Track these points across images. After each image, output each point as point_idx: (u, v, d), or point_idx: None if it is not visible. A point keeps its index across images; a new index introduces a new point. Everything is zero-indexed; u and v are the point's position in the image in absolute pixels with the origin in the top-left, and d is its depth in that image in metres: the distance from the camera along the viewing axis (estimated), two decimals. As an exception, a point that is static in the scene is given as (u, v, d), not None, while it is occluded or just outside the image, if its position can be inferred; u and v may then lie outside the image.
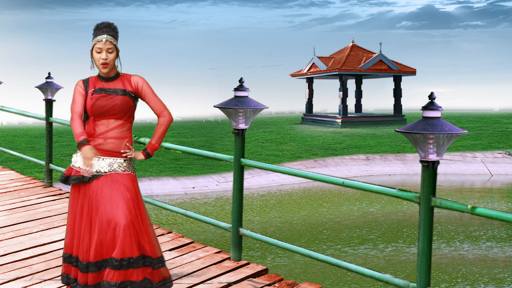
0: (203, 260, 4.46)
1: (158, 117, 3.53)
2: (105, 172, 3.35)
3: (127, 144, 3.43)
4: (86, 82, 3.44)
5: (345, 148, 20.76)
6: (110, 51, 3.37)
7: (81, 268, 3.28)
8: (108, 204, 3.27)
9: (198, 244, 4.89)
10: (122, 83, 3.42)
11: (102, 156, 3.37)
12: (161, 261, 3.42)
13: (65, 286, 3.59)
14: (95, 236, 3.26)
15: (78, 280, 3.30)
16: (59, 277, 3.53)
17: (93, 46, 3.38)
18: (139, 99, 3.53)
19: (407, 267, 8.80)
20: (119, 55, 3.45)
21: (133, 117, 3.49)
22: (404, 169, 18.78)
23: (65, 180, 3.41)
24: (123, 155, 3.41)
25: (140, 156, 3.51)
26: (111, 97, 3.36)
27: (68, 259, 3.39)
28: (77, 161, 3.40)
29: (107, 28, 3.40)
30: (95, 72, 3.50)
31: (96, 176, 3.35)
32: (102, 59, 3.35)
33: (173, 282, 3.97)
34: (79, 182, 3.35)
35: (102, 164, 3.37)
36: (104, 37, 3.36)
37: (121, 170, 3.39)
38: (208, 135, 23.56)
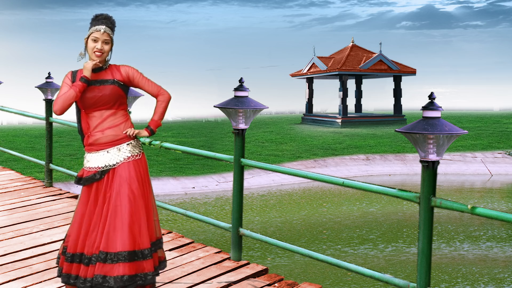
0: (203, 260, 4.46)
1: (157, 97, 3.57)
2: (114, 165, 3.39)
3: (124, 132, 3.46)
4: (74, 74, 3.46)
5: (345, 148, 20.75)
6: (106, 42, 3.40)
7: (85, 262, 3.32)
8: (111, 199, 3.32)
9: (198, 244, 4.89)
10: (111, 73, 3.45)
11: (106, 149, 3.41)
12: (159, 243, 3.49)
13: (65, 286, 3.59)
14: (100, 229, 3.31)
15: (79, 274, 3.33)
16: (59, 277, 3.53)
17: (90, 35, 3.40)
18: (136, 88, 3.58)
19: (407, 267, 8.80)
20: (112, 49, 3.47)
21: (125, 104, 3.53)
22: (404, 169, 18.78)
23: (79, 181, 3.46)
24: (126, 134, 3.44)
25: (144, 133, 3.54)
26: (100, 88, 3.39)
27: (71, 258, 3.39)
28: (90, 160, 3.44)
29: (106, 20, 3.44)
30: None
31: (106, 171, 3.39)
32: (96, 48, 3.37)
33: (173, 282, 3.98)
34: (92, 181, 3.40)
35: (108, 158, 3.40)
36: (103, 27, 3.39)
37: (128, 156, 3.41)
38: (208, 135, 23.55)
